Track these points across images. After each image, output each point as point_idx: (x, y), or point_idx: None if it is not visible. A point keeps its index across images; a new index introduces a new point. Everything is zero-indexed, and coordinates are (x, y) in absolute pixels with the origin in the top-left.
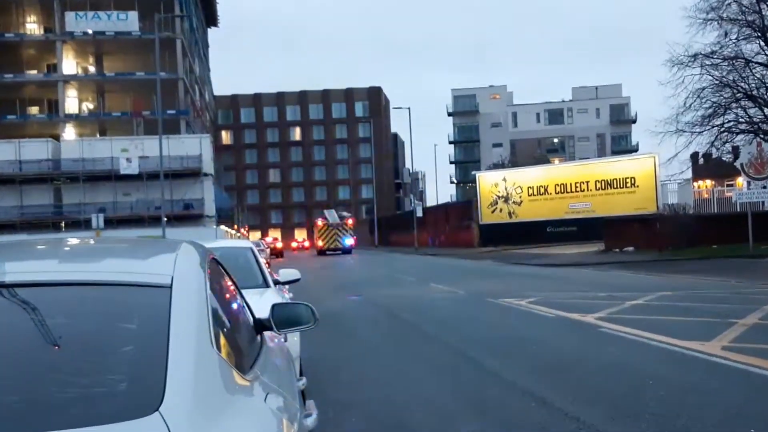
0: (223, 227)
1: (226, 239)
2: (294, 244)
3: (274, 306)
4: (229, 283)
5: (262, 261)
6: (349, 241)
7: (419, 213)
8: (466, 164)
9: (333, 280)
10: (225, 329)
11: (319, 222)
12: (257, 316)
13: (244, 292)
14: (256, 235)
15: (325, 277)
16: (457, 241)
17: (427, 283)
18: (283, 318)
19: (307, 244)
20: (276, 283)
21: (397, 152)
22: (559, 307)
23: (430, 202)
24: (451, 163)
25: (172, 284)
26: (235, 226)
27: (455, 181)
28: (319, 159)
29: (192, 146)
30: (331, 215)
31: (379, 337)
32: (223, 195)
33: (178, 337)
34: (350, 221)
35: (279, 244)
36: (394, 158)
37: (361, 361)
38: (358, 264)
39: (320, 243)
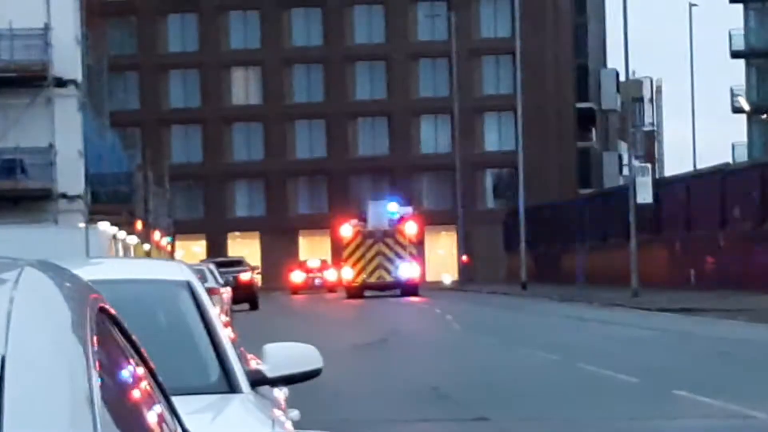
0: (105, 226)
1: (117, 259)
2: (296, 276)
3: None
4: (142, 374)
5: (217, 318)
6: (408, 270)
7: (645, 197)
8: None
9: (408, 378)
10: None
11: (348, 229)
12: None
13: (177, 401)
14: (194, 250)
15: (386, 366)
16: (749, 272)
17: (665, 390)
18: None
19: (332, 275)
20: (257, 380)
21: (585, 28)
22: None
23: (677, 163)
24: (735, 56)
25: (2, 380)
26: (139, 225)
27: (746, 108)
28: (365, 42)
29: (27, 4)
30: (377, 212)
31: None
32: (108, 141)
33: None
34: (410, 226)
35: (246, 276)
36: (576, 46)
37: None
38: (466, 334)
39: (350, 273)
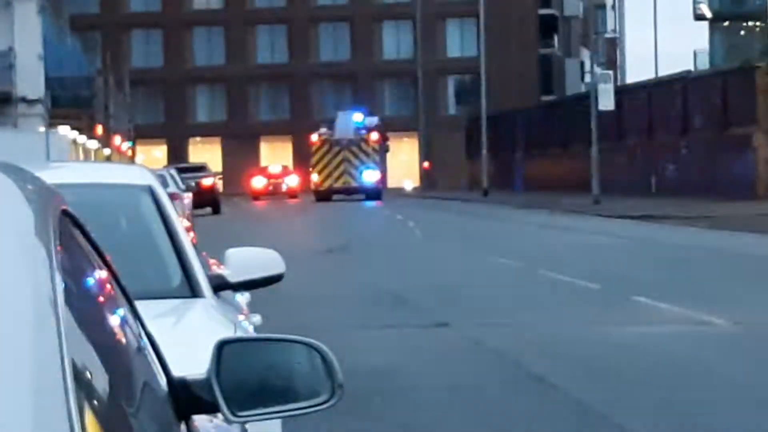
0: (66, 131)
1: (78, 163)
2: (258, 182)
3: (221, 346)
4: (105, 278)
5: (179, 223)
6: (371, 175)
7: (607, 104)
8: None
9: (370, 285)
10: (102, 404)
11: (318, 136)
12: (177, 371)
13: (140, 305)
14: (155, 155)
15: (347, 272)
16: (710, 179)
17: (625, 296)
18: (247, 381)
19: (294, 181)
20: (219, 285)
21: None
22: None
23: (639, 70)
24: None
25: None
26: (99, 130)
27: (708, 15)
28: None
29: None
30: (345, 121)
31: None
32: (68, 45)
33: None
34: (375, 136)
35: (209, 181)
36: None
37: None
38: (427, 240)
39: (317, 177)
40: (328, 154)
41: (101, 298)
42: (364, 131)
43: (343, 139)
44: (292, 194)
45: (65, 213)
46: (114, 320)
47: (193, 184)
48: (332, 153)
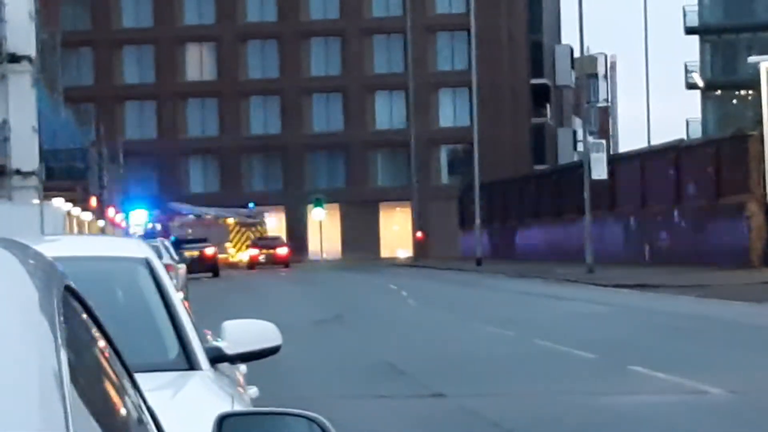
0: (60, 203)
1: (74, 236)
2: (251, 252)
3: (222, 420)
4: (107, 352)
5: (176, 295)
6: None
7: (600, 173)
8: (732, 35)
9: (365, 354)
10: None
11: (232, 221)
12: None
13: (137, 378)
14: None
15: (343, 343)
16: (703, 247)
17: (621, 365)
18: None
19: (285, 251)
20: (216, 357)
21: (539, 4)
22: None
23: (632, 139)
24: (689, 33)
25: None
26: (93, 201)
27: (701, 84)
28: (320, 17)
29: None
30: (242, 213)
31: None
32: (62, 117)
33: None
34: (269, 221)
35: (211, 250)
36: (530, 22)
37: None
38: (421, 310)
39: (233, 251)
40: (239, 233)
41: (103, 372)
42: (260, 217)
43: (245, 222)
44: (284, 264)
45: (67, 288)
46: (115, 394)
47: (197, 253)
48: (240, 232)
